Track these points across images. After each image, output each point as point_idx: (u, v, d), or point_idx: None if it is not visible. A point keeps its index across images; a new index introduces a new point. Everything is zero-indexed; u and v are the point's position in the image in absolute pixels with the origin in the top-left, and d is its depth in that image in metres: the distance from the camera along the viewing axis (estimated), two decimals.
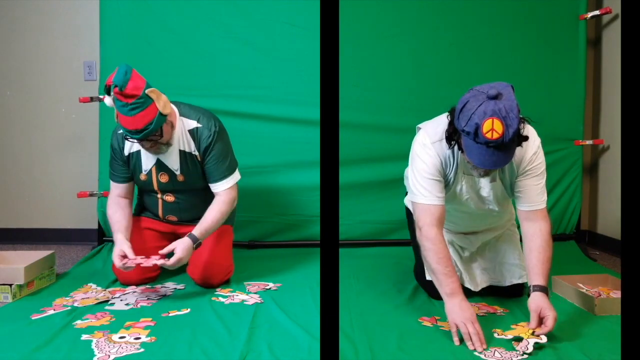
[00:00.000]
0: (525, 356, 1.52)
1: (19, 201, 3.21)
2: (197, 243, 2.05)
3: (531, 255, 1.72)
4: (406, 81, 2.90)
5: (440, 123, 1.73)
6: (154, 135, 1.95)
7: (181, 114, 2.10)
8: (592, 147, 3.14)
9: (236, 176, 2.19)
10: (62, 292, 2.11)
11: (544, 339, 1.58)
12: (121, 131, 2.09)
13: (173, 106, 2.08)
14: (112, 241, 2.80)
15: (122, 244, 2.04)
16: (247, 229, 2.88)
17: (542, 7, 2.93)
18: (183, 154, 2.10)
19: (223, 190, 2.14)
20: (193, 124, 2.09)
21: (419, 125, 1.83)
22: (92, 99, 2.84)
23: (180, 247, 2.00)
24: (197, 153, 2.11)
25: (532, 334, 1.60)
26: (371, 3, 2.86)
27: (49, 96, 3.14)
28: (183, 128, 2.08)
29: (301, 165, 2.87)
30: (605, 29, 3.07)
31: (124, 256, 2.01)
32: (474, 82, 1.66)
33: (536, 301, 1.65)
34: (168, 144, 2.05)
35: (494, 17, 2.92)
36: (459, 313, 1.63)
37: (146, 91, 1.88)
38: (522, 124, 1.55)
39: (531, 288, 1.68)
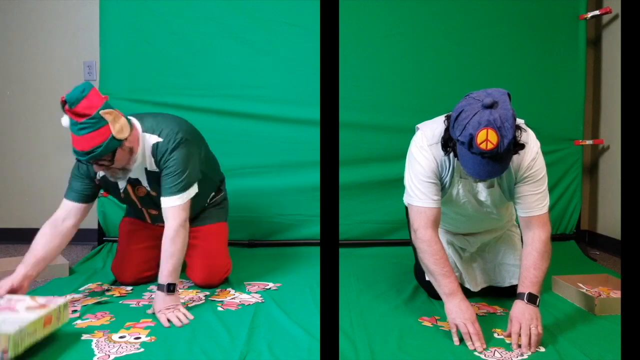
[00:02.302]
0: (525, 356, 1.52)
1: (19, 201, 3.21)
2: (165, 286, 1.84)
3: (522, 263, 1.72)
4: (406, 81, 2.90)
5: (438, 125, 1.71)
6: (103, 159, 1.78)
7: (144, 130, 1.91)
8: (592, 147, 3.14)
9: (190, 192, 1.95)
10: (62, 291, 2.10)
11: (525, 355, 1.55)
12: None
13: (137, 123, 1.90)
14: (112, 241, 2.83)
15: (18, 278, 1.81)
16: (247, 229, 2.87)
17: (542, 7, 2.93)
18: (148, 172, 1.96)
19: (170, 207, 1.90)
20: (154, 139, 1.90)
21: (418, 125, 1.82)
22: None
23: (155, 304, 1.85)
24: (157, 169, 1.94)
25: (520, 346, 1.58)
26: (371, 3, 2.86)
27: (49, 96, 3.14)
28: (145, 146, 1.91)
29: (301, 165, 2.87)
30: (605, 29, 3.07)
31: (11, 291, 1.77)
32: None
33: (512, 310, 1.66)
34: (125, 170, 1.88)
35: (494, 17, 2.92)
36: (459, 313, 1.63)
37: (101, 112, 1.71)
38: (518, 132, 1.52)
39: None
